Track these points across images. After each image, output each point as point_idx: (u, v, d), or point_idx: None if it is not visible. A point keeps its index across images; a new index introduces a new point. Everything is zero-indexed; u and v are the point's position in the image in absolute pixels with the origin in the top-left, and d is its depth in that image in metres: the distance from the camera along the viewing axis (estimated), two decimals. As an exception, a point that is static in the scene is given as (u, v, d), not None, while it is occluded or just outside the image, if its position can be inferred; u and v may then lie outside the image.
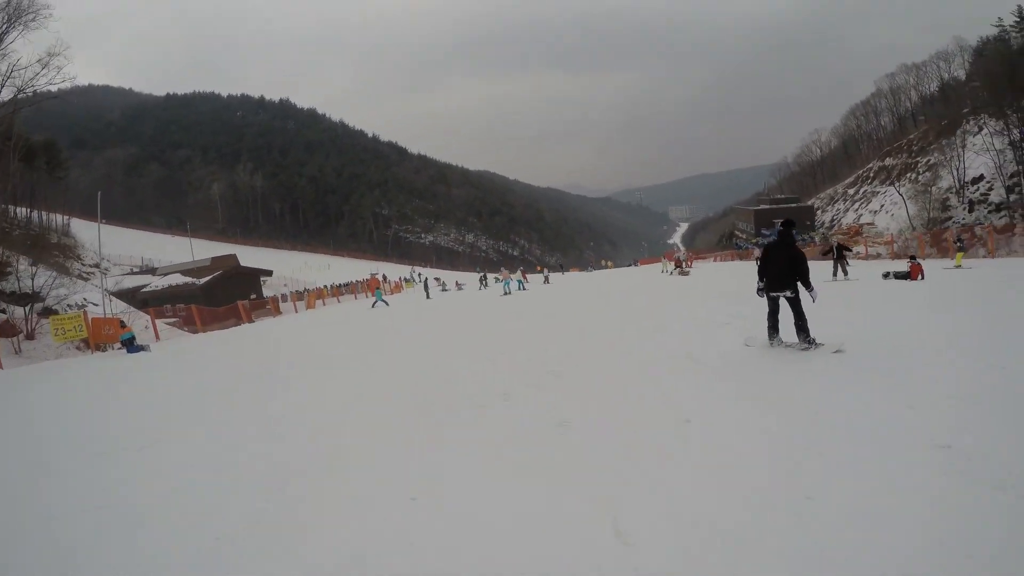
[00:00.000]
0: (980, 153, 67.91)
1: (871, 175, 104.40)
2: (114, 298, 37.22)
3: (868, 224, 79.44)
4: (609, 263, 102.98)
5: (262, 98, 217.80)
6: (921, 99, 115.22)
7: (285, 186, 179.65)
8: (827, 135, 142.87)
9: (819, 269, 26.52)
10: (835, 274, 25.42)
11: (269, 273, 73.80)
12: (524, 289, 40.91)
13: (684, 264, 46.91)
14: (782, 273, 9.65)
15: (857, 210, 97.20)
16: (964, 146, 71.70)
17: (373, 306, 37.81)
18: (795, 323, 9.61)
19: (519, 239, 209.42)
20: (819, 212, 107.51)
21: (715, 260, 68.31)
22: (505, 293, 37.64)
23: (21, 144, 51.09)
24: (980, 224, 49.98)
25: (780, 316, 9.92)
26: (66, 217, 67.12)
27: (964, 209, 68.73)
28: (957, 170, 71.65)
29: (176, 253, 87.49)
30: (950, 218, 67.62)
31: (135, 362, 19.85)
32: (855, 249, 41.66)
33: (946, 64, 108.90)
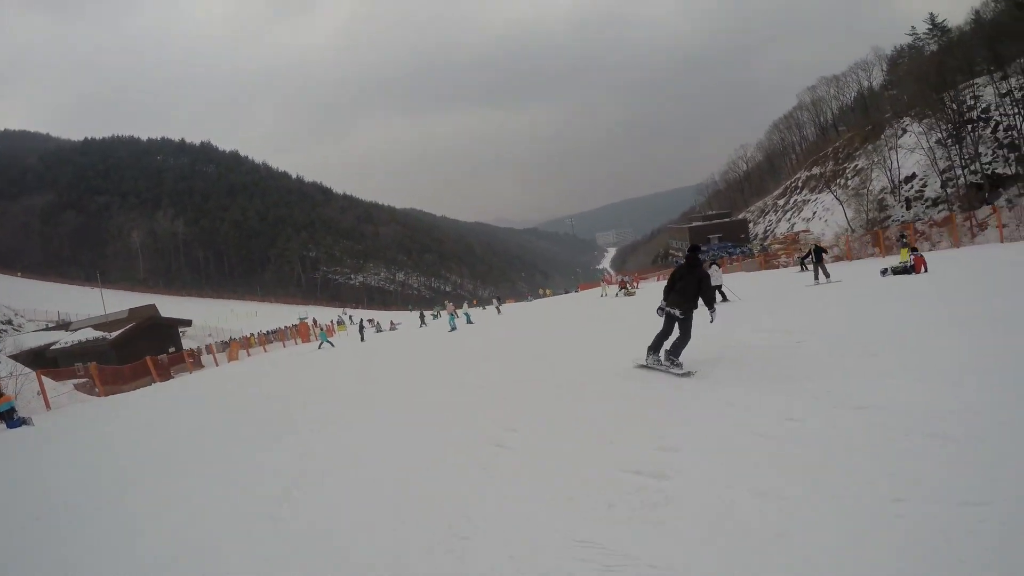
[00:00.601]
0: (914, 150, 69.90)
1: (799, 184, 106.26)
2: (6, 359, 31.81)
3: (804, 231, 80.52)
4: (548, 291, 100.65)
5: (183, 141, 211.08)
6: (841, 108, 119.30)
7: (208, 232, 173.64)
8: (752, 150, 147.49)
9: (799, 277, 28.82)
10: (816, 277, 24.42)
11: (188, 323, 68.19)
12: (471, 323, 39.30)
13: (629, 285, 48.15)
14: (687, 294, 9.83)
15: (790, 219, 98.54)
16: (894, 148, 74.67)
17: (320, 347, 38.23)
18: (675, 342, 9.83)
19: (450, 275, 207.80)
20: (751, 224, 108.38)
21: (658, 279, 66.45)
22: (451, 329, 35.59)
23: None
24: (920, 220, 52.47)
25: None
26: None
27: (902, 207, 70.37)
28: (890, 171, 73.87)
29: (95, 306, 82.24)
30: (889, 217, 69.19)
31: (5, 442, 15.16)
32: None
33: (865, 73, 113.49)
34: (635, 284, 53.41)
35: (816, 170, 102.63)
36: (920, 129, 70.05)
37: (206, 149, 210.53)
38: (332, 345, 39.01)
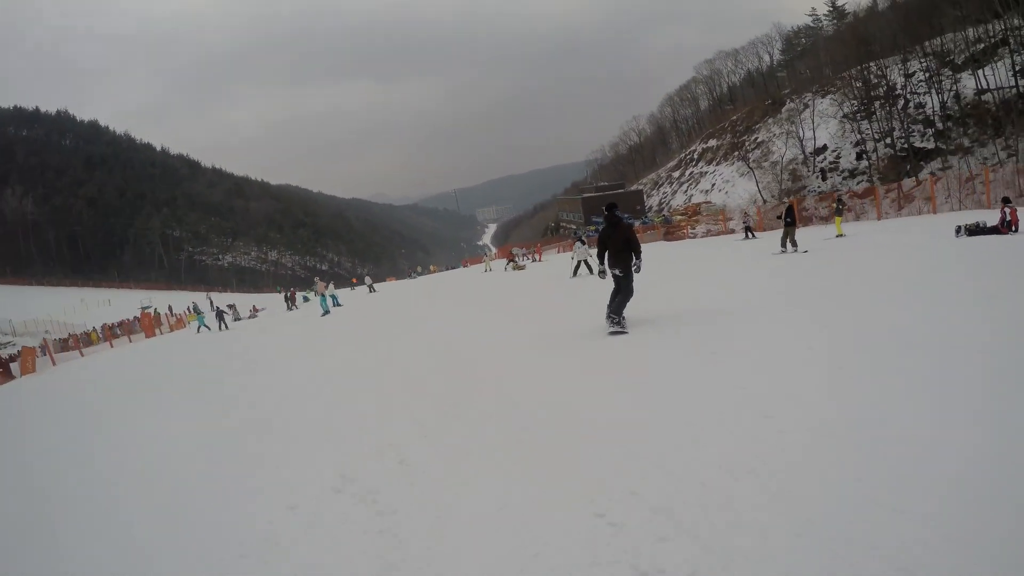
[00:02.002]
0: (832, 120, 72.79)
1: (695, 157, 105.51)
2: None
3: (706, 203, 79.40)
4: (434, 268, 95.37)
5: (37, 110, 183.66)
6: (740, 83, 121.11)
7: (60, 211, 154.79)
8: (644, 122, 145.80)
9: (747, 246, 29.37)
10: (784, 245, 21.31)
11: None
12: (339, 304, 35.65)
13: (519, 258, 49.84)
14: (621, 251, 10.04)
15: (687, 191, 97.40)
16: (798, 121, 76.70)
17: (198, 331, 37.16)
18: (616, 299, 10.16)
19: (327, 252, 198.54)
20: (646, 197, 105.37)
21: (559, 251, 64.65)
22: (324, 313, 31.28)
23: None
24: (838, 190, 51.61)
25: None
26: None
27: (817, 178, 71.53)
28: (802, 142, 74.85)
29: None
30: (804, 187, 69.27)
31: None
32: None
33: (765, 47, 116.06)
34: (538, 256, 56.84)
35: (713, 142, 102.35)
36: (825, 104, 75.54)
37: (62, 119, 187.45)
38: (209, 328, 37.46)
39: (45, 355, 39.50)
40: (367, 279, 56.59)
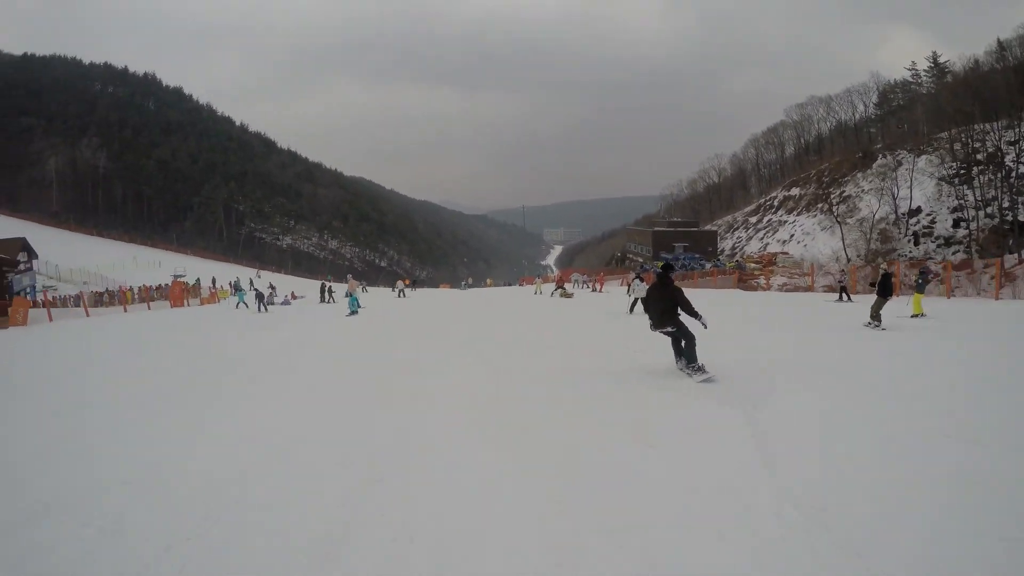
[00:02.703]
0: (920, 180, 69.49)
1: (775, 204, 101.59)
2: None
3: (783, 254, 75.91)
4: (489, 281, 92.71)
5: (125, 69, 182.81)
6: (831, 131, 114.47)
7: (131, 168, 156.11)
8: (725, 161, 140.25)
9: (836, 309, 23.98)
10: (873, 318, 16.63)
11: (14, 264, 54.41)
12: (359, 307, 30.35)
13: (568, 286, 45.46)
14: (664, 312, 9.97)
15: (762, 239, 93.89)
16: (896, 178, 72.47)
17: (236, 307, 36.49)
18: (684, 350, 9.91)
19: (388, 249, 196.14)
20: (719, 239, 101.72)
21: (622, 284, 57.45)
22: (351, 312, 28.73)
23: None
24: (932, 259, 49.46)
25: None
26: None
27: (909, 241, 66.89)
28: (895, 200, 70.62)
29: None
30: (893, 250, 65.24)
31: None
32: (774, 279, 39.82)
33: (860, 97, 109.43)
34: (599, 286, 50.62)
35: (796, 191, 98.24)
36: (921, 163, 70.06)
37: (148, 82, 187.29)
38: (247, 307, 36.50)
39: (79, 306, 39.01)
40: (399, 283, 54.12)
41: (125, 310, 43.54)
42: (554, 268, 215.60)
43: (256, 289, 39.13)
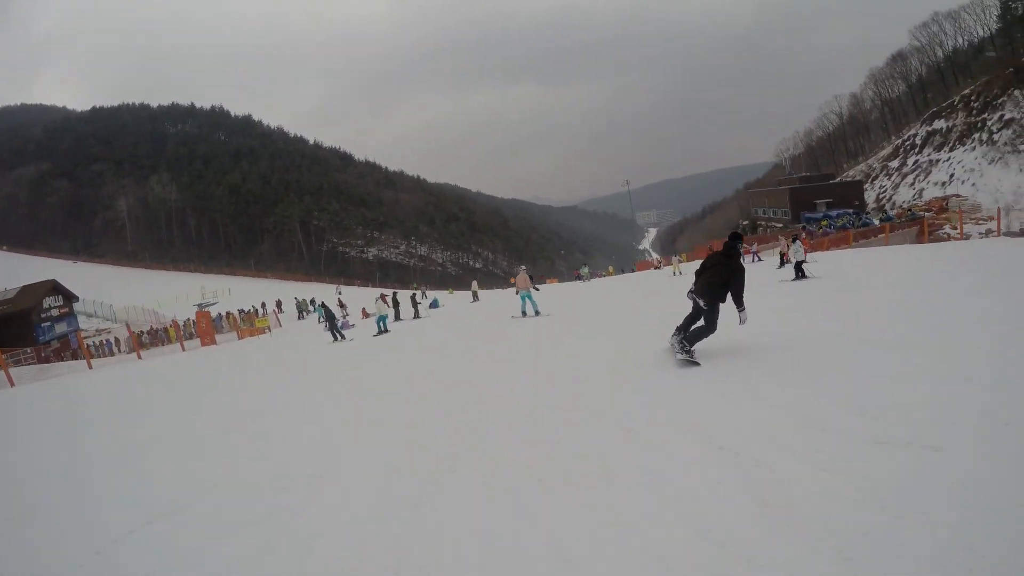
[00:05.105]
0: None
1: (917, 143, 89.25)
2: None
3: (955, 196, 64.47)
4: (611, 269, 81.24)
5: (192, 106, 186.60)
6: (966, 49, 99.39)
7: (202, 197, 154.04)
8: (844, 103, 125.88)
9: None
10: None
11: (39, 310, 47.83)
12: (384, 329, 25.92)
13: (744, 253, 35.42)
14: (715, 285, 9.30)
15: (913, 184, 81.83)
16: None
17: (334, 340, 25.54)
18: (697, 329, 9.49)
19: (482, 249, 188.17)
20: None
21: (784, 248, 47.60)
22: (379, 332, 25.24)
23: None
24: None
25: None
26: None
27: None
28: None
29: (74, 282, 63.49)
30: None
31: None
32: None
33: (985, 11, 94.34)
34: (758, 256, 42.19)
35: (940, 123, 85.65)
36: None
37: (216, 114, 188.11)
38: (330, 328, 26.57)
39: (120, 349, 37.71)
40: (473, 284, 46.23)
41: (183, 348, 35.91)
42: (651, 252, 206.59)
43: (324, 308, 28.71)
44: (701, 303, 9.23)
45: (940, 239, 42.22)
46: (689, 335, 9.33)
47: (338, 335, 25.50)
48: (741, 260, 9.54)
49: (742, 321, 9.30)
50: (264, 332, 40.86)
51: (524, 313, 22.29)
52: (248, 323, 45.95)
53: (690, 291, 9.54)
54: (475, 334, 19.84)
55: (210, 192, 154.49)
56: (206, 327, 37.88)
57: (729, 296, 9.25)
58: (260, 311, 53.09)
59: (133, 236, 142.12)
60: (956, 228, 44.25)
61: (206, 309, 53.46)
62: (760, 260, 40.20)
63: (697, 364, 8.97)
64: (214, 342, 36.02)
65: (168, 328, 45.33)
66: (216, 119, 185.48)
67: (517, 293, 23.58)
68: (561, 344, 14.07)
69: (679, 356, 9.22)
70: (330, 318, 26.66)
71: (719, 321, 9.29)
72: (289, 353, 23.64)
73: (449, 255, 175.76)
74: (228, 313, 52.81)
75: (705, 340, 9.43)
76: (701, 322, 9.39)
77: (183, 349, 35.04)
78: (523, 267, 24.43)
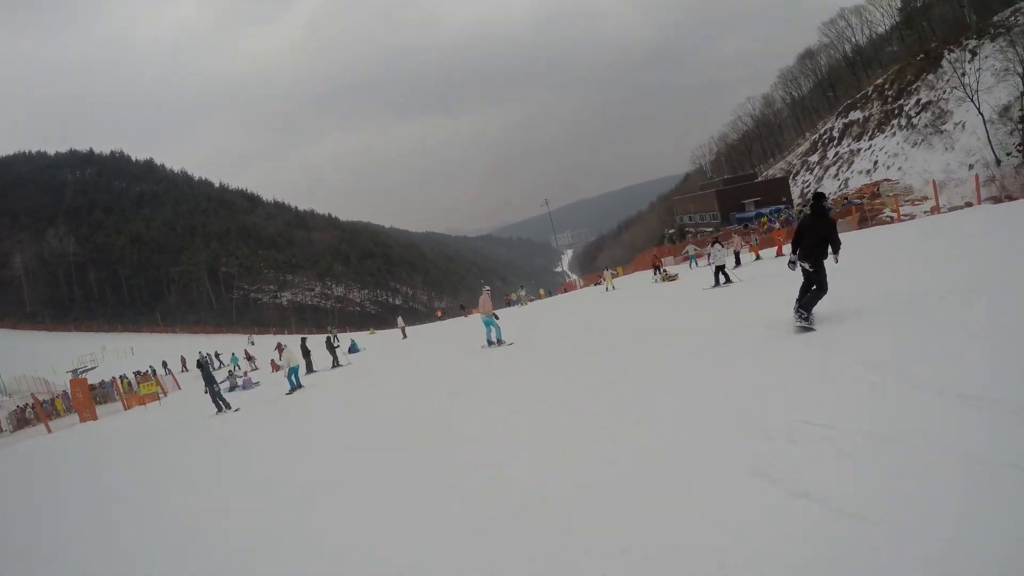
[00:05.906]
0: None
1: (834, 135, 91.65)
2: None
3: (885, 181, 63.95)
4: (542, 292, 76.38)
5: (90, 152, 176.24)
6: (872, 40, 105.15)
7: (103, 249, 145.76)
8: (757, 104, 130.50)
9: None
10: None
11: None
12: (297, 384, 21.85)
13: (666, 270, 40.49)
14: (816, 246, 9.85)
15: (837, 175, 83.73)
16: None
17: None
18: (808, 294, 9.88)
19: (400, 285, 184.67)
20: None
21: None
22: (291, 389, 21.17)
23: None
24: None
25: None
26: None
27: None
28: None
29: None
30: None
31: None
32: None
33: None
34: (699, 255, 45.14)
35: (856, 114, 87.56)
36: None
37: (116, 159, 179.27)
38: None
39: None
40: (399, 320, 46.83)
41: (48, 429, 29.61)
42: (570, 274, 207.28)
43: (201, 366, 22.83)
44: (807, 266, 9.81)
45: (883, 223, 41.71)
46: (805, 302, 9.72)
47: (221, 404, 20.36)
48: (829, 216, 9.98)
49: (836, 261, 9.98)
50: (155, 398, 35.64)
51: (489, 342, 19.88)
52: (136, 389, 40.60)
53: (791, 260, 10.14)
54: (414, 385, 15.64)
55: (111, 242, 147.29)
56: (84, 399, 32.13)
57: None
58: (152, 373, 47.68)
59: (31, 295, 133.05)
60: (894, 211, 44.52)
61: (82, 376, 47.13)
62: (699, 265, 41.77)
63: (813, 330, 9.35)
64: (94, 416, 30.56)
65: (56, 399, 39.18)
66: (117, 164, 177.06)
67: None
68: (549, 397, 9.65)
69: (797, 324, 9.62)
70: (209, 381, 20.73)
71: (826, 279, 9.77)
72: (160, 436, 18.03)
73: (367, 293, 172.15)
74: (123, 377, 46.37)
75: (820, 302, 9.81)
76: (809, 287, 9.88)
77: (48, 431, 28.88)
78: (487, 287, 20.60)
